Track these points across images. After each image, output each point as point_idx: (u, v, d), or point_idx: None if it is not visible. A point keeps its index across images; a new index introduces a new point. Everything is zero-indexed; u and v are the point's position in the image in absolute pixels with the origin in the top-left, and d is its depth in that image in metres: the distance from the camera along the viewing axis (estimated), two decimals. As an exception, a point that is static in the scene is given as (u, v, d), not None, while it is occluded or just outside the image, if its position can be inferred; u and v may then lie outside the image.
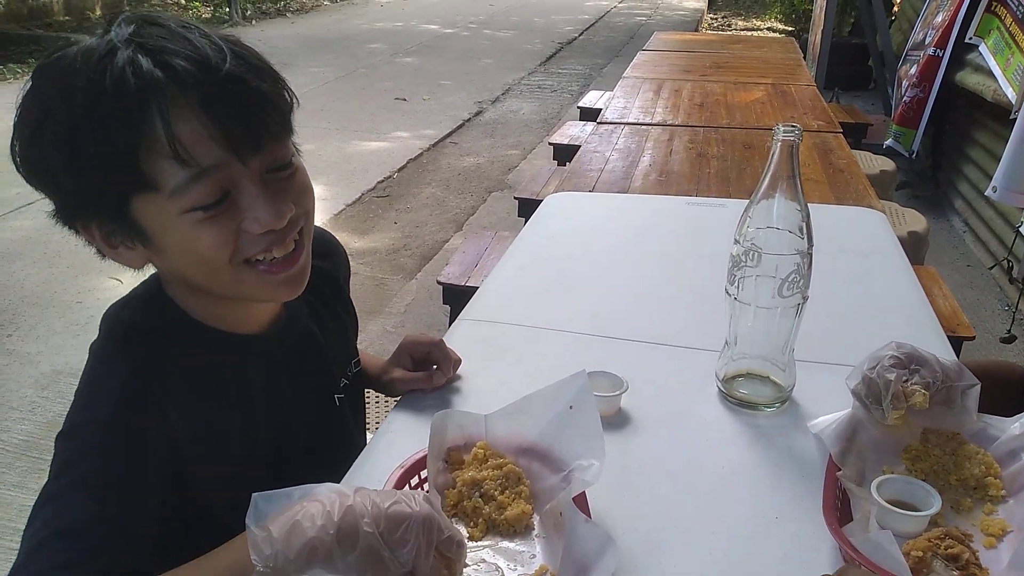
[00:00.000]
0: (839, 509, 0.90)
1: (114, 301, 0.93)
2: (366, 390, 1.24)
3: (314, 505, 0.67)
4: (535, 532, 0.88)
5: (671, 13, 13.26)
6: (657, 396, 1.15)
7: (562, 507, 0.82)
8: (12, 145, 0.79)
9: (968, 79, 4.33)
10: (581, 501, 0.87)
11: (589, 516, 0.85)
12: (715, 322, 1.15)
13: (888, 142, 4.81)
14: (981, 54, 4.09)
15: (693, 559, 0.86)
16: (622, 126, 3.00)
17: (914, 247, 2.74)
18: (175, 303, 0.91)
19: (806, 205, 1.03)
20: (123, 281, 3.66)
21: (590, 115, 4.43)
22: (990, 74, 3.90)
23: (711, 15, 13.01)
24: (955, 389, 0.96)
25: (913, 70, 4.79)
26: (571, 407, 0.90)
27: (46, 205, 0.83)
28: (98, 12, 9.49)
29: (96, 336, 0.89)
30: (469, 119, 6.94)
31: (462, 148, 6.13)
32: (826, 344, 1.25)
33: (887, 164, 3.65)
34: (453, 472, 0.92)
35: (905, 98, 4.76)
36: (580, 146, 2.85)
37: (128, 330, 0.88)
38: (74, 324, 3.40)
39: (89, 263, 4.08)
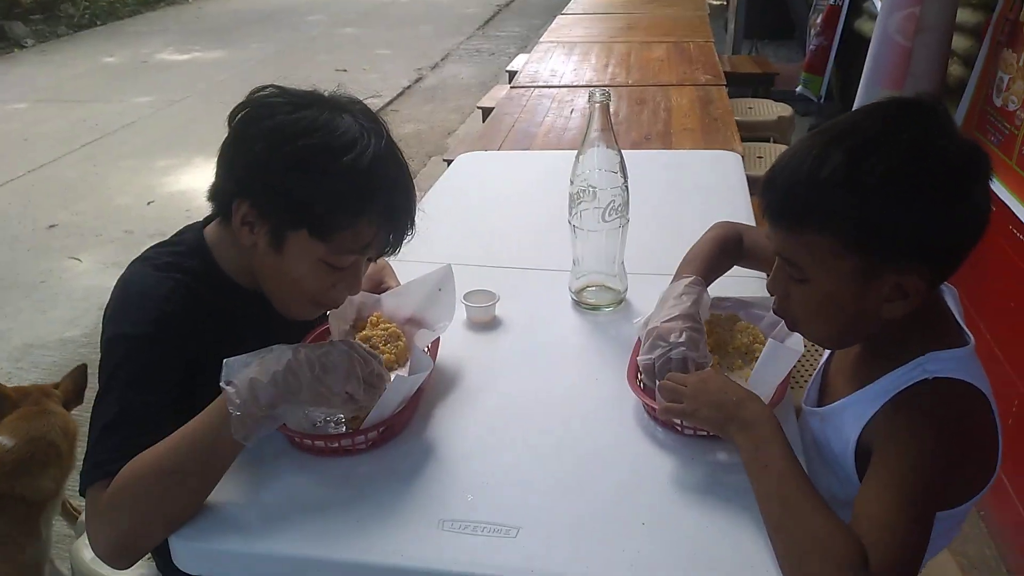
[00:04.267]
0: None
1: (159, 242, 1.19)
2: None
3: (264, 364, 0.98)
4: (398, 372, 1.23)
5: (607, -31, 13.42)
6: (525, 306, 1.47)
7: (410, 347, 1.23)
8: (301, 146, 1.02)
9: (864, 27, 4.67)
10: (435, 347, 1.26)
11: (435, 357, 1.22)
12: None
13: (799, 88, 5.15)
14: (874, 3, 4.41)
15: (536, 411, 1.19)
16: (532, 89, 3.30)
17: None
18: (212, 256, 1.16)
19: (620, 150, 1.35)
20: (82, 260, 3.88)
21: (517, 78, 4.71)
22: (880, 22, 4.22)
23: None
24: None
25: (818, 19, 5.13)
26: (440, 289, 1.29)
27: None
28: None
29: (133, 260, 1.13)
30: (409, 86, 7.15)
31: (403, 115, 6.36)
32: (660, 259, 1.57)
33: (785, 110, 3.99)
34: (355, 334, 1.29)
35: (811, 46, 5.09)
36: (501, 109, 3.14)
37: (171, 265, 1.12)
38: (40, 302, 3.63)
39: (47, 245, 4.33)
